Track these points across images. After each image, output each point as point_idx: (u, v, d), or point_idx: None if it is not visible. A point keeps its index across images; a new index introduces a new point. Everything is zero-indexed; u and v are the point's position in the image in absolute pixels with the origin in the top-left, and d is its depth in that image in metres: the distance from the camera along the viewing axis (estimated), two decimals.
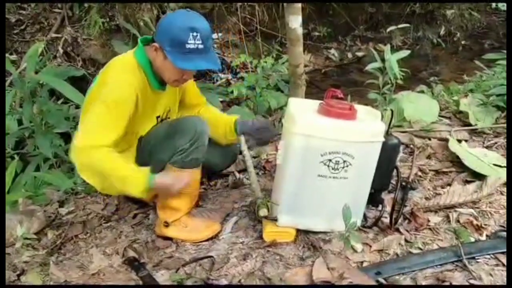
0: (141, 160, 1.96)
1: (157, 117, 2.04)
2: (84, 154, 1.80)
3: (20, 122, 3.30)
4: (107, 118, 1.78)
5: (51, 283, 1.91)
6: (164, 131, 1.95)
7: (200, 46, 1.74)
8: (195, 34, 1.72)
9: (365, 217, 2.03)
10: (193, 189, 2.07)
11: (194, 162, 1.95)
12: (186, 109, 2.24)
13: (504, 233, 1.84)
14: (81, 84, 4.37)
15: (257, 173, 2.49)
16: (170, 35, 1.73)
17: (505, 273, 1.64)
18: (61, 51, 4.78)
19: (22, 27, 4.95)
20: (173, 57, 1.74)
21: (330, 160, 1.76)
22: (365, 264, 1.78)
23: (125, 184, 1.82)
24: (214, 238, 2.04)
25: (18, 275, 1.97)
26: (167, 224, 2.06)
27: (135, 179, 1.81)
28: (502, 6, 5.63)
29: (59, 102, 3.78)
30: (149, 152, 1.96)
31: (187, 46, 1.72)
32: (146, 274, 1.86)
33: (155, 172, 1.87)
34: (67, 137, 3.44)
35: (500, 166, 2.29)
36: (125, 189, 1.86)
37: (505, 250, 1.74)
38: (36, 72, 3.17)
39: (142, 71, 1.85)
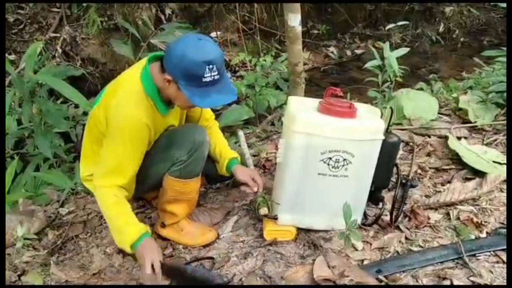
0: (140, 172, 1.90)
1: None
2: (97, 196, 1.84)
3: (19, 122, 3.30)
4: (123, 155, 1.76)
5: (52, 283, 1.91)
6: (162, 142, 1.89)
7: (216, 77, 1.67)
8: (211, 66, 1.63)
9: (365, 215, 2.03)
10: (192, 197, 2.05)
11: (192, 173, 1.93)
12: (199, 121, 2.16)
13: (504, 230, 1.84)
14: (80, 83, 4.40)
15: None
16: (185, 70, 1.64)
17: (505, 270, 1.65)
18: (60, 50, 4.77)
19: (21, 27, 4.94)
20: (189, 94, 1.66)
21: (330, 159, 1.76)
22: (365, 262, 1.78)
23: (119, 232, 1.81)
24: (208, 245, 2.02)
25: (19, 275, 1.97)
26: (163, 225, 2.07)
27: (127, 232, 1.78)
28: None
29: (59, 101, 3.78)
30: (149, 163, 1.90)
31: (204, 80, 1.64)
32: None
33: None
34: (66, 137, 3.45)
35: (499, 163, 2.29)
36: (116, 237, 1.82)
37: (505, 247, 1.74)
38: (35, 72, 3.16)
39: (149, 99, 1.77)
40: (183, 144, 1.87)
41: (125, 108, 1.73)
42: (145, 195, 2.18)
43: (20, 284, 1.93)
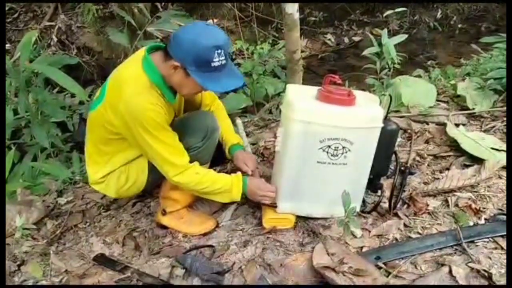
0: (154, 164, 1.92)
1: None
2: (184, 181, 1.86)
3: (15, 112, 3.28)
4: (166, 140, 1.78)
5: (52, 273, 1.91)
6: (175, 130, 1.88)
7: (223, 62, 1.69)
8: (219, 51, 1.66)
9: (364, 202, 2.03)
10: None
11: (204, 159, 1.95)
12: (201, 108, 2.18)
13: (503, 217, 1.85)
14: (76, 72, 4.37)
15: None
16: (195, 56, 1.65)
17: (503, 256, 1.66)
18: (55, 39, 4.73)
19: (15, 16, 4.90)
20: (201, 79, 1.68)
21: (329, 147, 1.76)
22: (364, 249, 1.79)
23: (226, 193, 1.92)
24: (207, 234, 2.03)
25: (19, 265, 1.97)
26: (164, 213, 2.08)
27: (235, 186, 1.92)
28: None
29: (55, 91, 3.75)
30: None
31: (213, 64, 1.66)
32: (124, 266, 1.86)
33: None
34: (63, 127, 3.43)
35: (497, 150, 2.29)
36: (227, 197, 1.94)
37: (503, 233, 1.75)
38: (31, 61, 3.14)
39: (156, 88, 1.77)
40: (197, 131, 1.90)
41: (138, 103, 1.71)
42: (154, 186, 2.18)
43: (20, 274, 1.93)
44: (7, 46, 4.57)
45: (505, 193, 2.01)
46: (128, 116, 1.72)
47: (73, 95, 3.67)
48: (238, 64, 4.41)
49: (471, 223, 1.86)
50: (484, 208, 1.93)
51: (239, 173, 1.97)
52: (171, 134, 1.81)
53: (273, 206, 1.94)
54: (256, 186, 1.95)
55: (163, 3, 4.97)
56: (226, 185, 1.91)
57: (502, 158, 2.20)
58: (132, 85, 1.74)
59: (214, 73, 1.69)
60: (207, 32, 1.67)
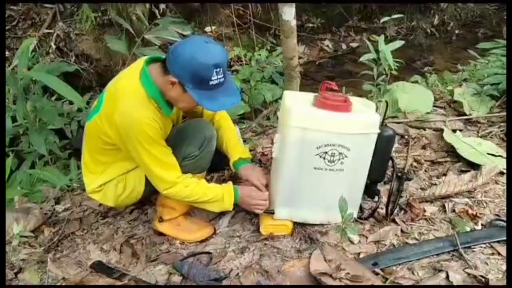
0: None
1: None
2: (174, 195, 1.87)
3: (14, 119, 3.28)
4: (158, 155, 1.78)
5: (49, 280, 1.91)
6: (173, 139, 1.89)
7: (222, 80, 1.69)
8: (218, 69, 1.65)
9: (361, 208, 2.04)
10: None
11: (201, 167, 1.96)
12: (202, 117, 2.17)
13: (500, 222, 1.85)
14: (75, 80, 4.37)
15: None
16: (193, 73, 1.64)
17: (500, 262, 1.66)
18: (53, 46, 4.73)
19: (14, 23, 4.90)
20: (198, 97, 1.68)
21: (326, 153, 1.76)
22: (362, 255, 1.79)
23: (218, 203, 1.92)
24: (204, 241, 2.03)
25: (16, 273, 1.97)
26: (161, 220, 2.07)
27: (226, 196, 1.91)
28: None
29: (53, 98, 3.75)
30: None
31: (211, 83, 1.66)
32: (121, 274, 1.86)
33: None
34: (61, 134, 3.43)
35: (494, 155, 2.30)
36: (218, 207, 1.94)
37: (500, 239, 1.75)
38: (29, 69, 3.14)
39: (153, 101, 1.76)
40: (194, 139, 1.90)
41: (133, 116, 1.71)
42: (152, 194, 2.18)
43: (17, 282, 1.92)
44: (6, 53, 4.57)
45: (502, 199, 2.02)
46: (123, 129, 1.72)
47: (71, 102, 3.67)
48: (236, 71, 4.42)
49: (468, 229, 1.86)
50: (481, 213, 1.93)
51: (229, 182, 1.97)
52: (164, 149, 1.82)
53: (270, 212, 1.94)
54: (247, 194, 1.95)
55: (161, 10, 4.99)
56: (217, 196, 1.90)
57: (499, 164, 2.20)
58: (129, 98, 1.74)
59: (212, 90, 1.68)
60: (206, 50, 1.65)
